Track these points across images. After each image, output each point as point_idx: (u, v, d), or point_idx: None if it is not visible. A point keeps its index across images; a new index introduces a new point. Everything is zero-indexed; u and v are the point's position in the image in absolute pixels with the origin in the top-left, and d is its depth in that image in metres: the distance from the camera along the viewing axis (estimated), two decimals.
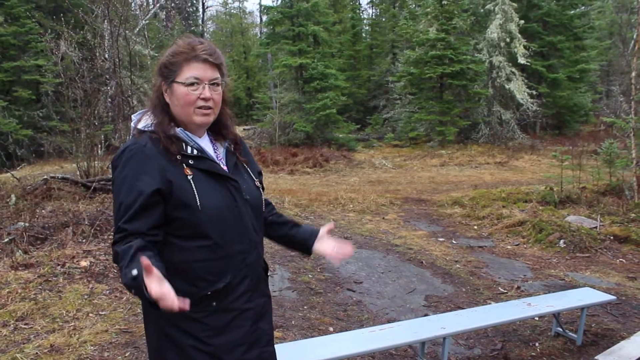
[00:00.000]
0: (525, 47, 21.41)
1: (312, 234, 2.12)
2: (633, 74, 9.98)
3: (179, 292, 1.71)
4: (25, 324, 4.18)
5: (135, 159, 1.69)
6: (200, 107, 1.77)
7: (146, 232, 1.66)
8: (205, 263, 1.74)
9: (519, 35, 21.52)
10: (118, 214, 1.68)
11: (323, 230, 2.12)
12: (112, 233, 1.92)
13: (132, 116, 1.88)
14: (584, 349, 4.31)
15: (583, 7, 25.58)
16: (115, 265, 1.73)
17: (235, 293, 1.79)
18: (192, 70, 1.74)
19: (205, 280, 1.74)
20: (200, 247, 1.73)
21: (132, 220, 1.64)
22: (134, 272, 1.47)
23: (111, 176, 1.82)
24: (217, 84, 1.79)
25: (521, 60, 21.05)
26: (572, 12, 24.40)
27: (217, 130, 1.92)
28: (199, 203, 1.70)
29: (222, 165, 1.85)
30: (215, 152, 1.88)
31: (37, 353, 3.72)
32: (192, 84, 1.74)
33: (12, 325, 4.13)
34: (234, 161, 1.92)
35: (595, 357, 3.70)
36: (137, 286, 1.47)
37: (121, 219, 1.65)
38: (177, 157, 1.73)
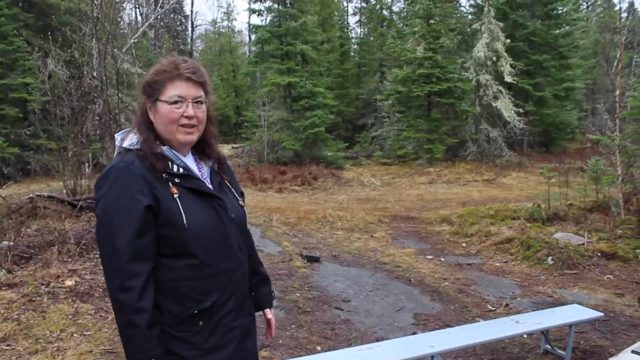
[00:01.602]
0: (511, 65, 21.63)
1: (264, 300, 2.15)
2: (617, 92, 10.11)
3: (166, 311, 1.70)
4: (7, 345, 4.10)
5: (123, 177, 1.68)
6: (183, 125, 1.76)
7: (148, 272, 1.66)
8: (191, 282, 1.72)
9: (506, 54, 21.76)
10: (110, 236, 1.65)
11: (268, 314, 2.16)
12: (99, 255, 1.87)
13: (116, 135, 1.86)
14: None
15: (567, 27, 25.97)
16: (114, 309, 1.70)
17: (221, 312, 1.78)
18: (176, 89, 1.74)
19: (191, 299, 1.72)
20: (187, 266, 1.72)
21: (133, 260, 1.63)
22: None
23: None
24: (201, 102, 1.79)
25: (508, 79, 21.25)
26: (557, 31, 24.73)
27: (201, 149, 1.91)
28: (185, 221, 1.68)
29: (207, 184, 1.84)
30: (199, 170, 1.88)
31: None
32: (175, 102, 1.74)
33: None
34: (219, 180, 1.92)
35: None
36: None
37: (120, 255, 1.62)
38: (164, 175, 1.72)
